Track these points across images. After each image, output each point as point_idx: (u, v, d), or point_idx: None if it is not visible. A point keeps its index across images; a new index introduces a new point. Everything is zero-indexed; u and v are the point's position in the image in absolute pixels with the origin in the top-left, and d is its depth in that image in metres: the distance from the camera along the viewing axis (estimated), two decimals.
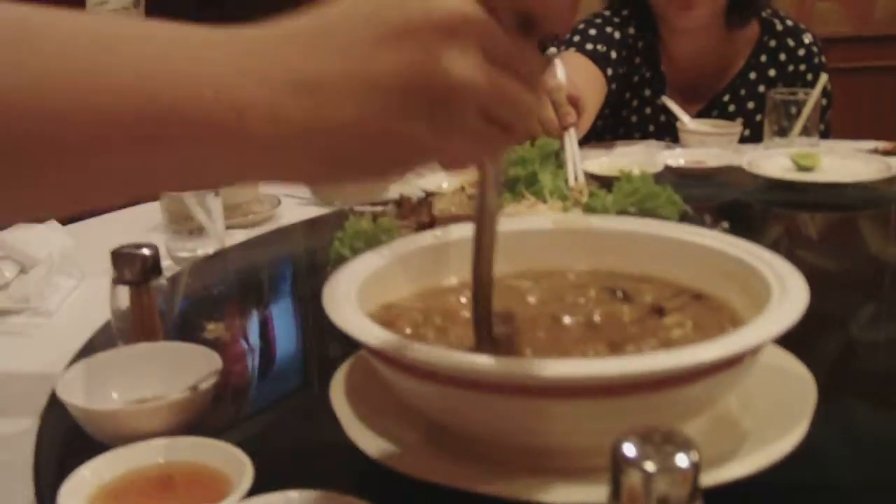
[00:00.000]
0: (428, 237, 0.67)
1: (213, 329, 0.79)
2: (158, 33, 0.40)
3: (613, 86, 1.61)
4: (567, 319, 0.60)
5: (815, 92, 1.39)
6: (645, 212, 0.93)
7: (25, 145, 0.38)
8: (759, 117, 1.62)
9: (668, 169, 1.28)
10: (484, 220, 0.52)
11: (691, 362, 0.47)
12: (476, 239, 0.53)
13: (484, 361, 0.48)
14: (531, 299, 0.64)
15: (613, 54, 1.65)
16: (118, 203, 0.45)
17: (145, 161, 0.39)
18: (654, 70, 1.69)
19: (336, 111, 0.39)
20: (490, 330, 0.55)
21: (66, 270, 0.98)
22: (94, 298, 0.88)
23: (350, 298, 0.56)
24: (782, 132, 1.41)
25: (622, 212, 0.94)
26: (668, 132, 1.65)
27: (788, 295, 0.54)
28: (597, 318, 0.60)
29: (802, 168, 1.26)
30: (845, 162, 1.29)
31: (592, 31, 1.66)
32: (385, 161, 0.42)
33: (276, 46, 0.40)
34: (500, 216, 0.52)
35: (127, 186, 0.41)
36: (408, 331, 0.58)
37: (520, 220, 0.77)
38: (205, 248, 1.06)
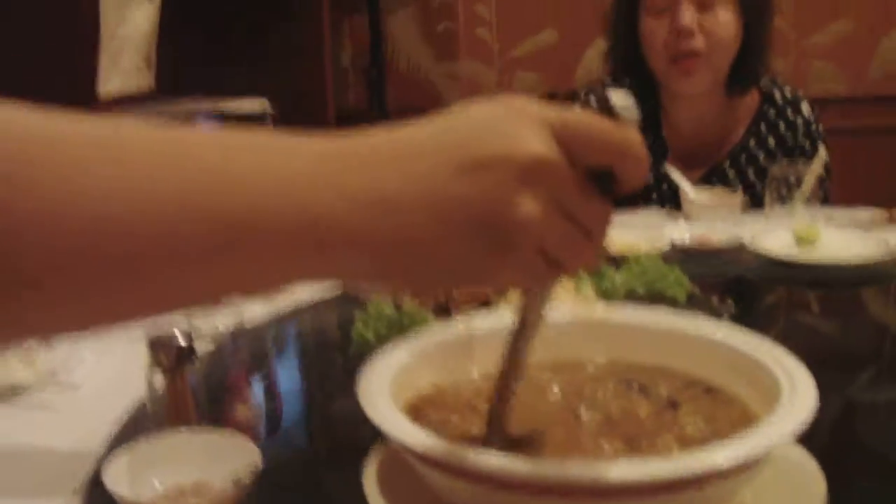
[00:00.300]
0: (454, 328, 0.71)
1: (242, 411, 0.82)
2: (241, 143, 0.43)
3: None
4: (585, 414, 0.64)
5: (815, 167, 1.44)
6: (654, 292, 0.97)
7: (110, 258, 0.39)
8: (759, 185, 1.67)
9: (673, 247, 1.32)
10: (521, 338, 0.56)
11: (708, 467, 0.51)
12: (510, 351, 0.56)
13: (514, 463, 0.51)
14: (551, 392, 0.67)
15: None
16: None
17: (217, 270, 0.42)
18: (655, 137, 1.74)
19: (408, 231, 0.43)
20: (506, 425, 0.59)
21: (91, 342, 1.01)
22: (121, 369, 0.91)
23: (384, 393, 0.60)
24: (782, 201, 1.45)
25: (631, 292, 0.97)
26: (671, 200, 1.69)
27: (798, 392, 0.58)
28: (614, 412, 0.64)
29: (803, 242, 1.31)
30: (845, 237, 1.33)
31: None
32: (439, 276, 0.46)
33: (359, 163, 0.43)
34: (537, 335, 0.56)
35: (195, 295, 0.43)
36: (435, 424, 0.62)
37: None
38: (224, 321, 1.09)
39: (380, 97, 2.79)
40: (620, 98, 0.47)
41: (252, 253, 0.41)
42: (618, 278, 0.98)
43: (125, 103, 2.25)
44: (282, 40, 2.66)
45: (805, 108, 1.73)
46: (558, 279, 0.49)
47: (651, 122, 1.74)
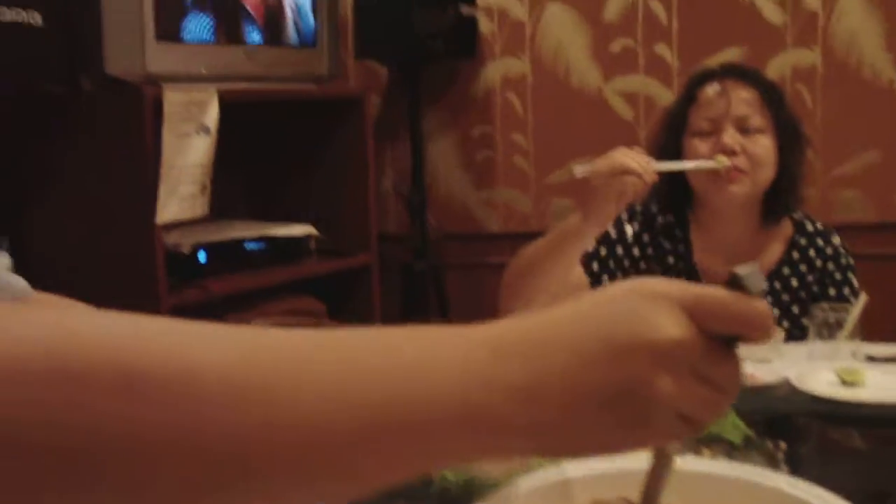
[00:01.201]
0: (548, 474, 0.76)
1: None
2: (395, 338, 0.47)
3: None
4: None
5: (855, 310, 1.50)
6: (711, 435, 1.02)
7: (265, 456, 0.42)
8: (794, 309, 1.73)
9: None
10: (654, 488, 0.60)
11: None
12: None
13: None
14: None
15: (650, 250, 1.79)
16: None
17: (364, 461, 0.45)
18: (687, 265, 1.81)
19: (554, 417, 0.47)
20: None
21: None
22: None
23: None
24: (824, 340, 1.51)
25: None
26: None
27: None
28: None
29: (848, 383, 1.36)
30: (888, 378, 1.37)
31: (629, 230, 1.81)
32: (584, 452, 0.51)
33: (506, 352, 0.47)
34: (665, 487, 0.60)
35: (367, 480, 0.47)
36: None
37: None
38: None
39: (421, 222, 2.88)
40: (747, 272, 0.52)
41: (408, 440, 0.45)
42: None
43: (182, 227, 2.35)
44: (327, 167, 2.77)
45: (836, 238, 1.81)
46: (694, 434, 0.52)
47: (683, 250, 1.82)
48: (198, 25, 2.37)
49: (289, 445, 0.43)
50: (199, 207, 2.32)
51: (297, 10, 2.62)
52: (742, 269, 0.52)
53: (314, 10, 2.64)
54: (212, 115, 2.29)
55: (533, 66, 2.99)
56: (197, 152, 2.28)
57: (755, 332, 0.51)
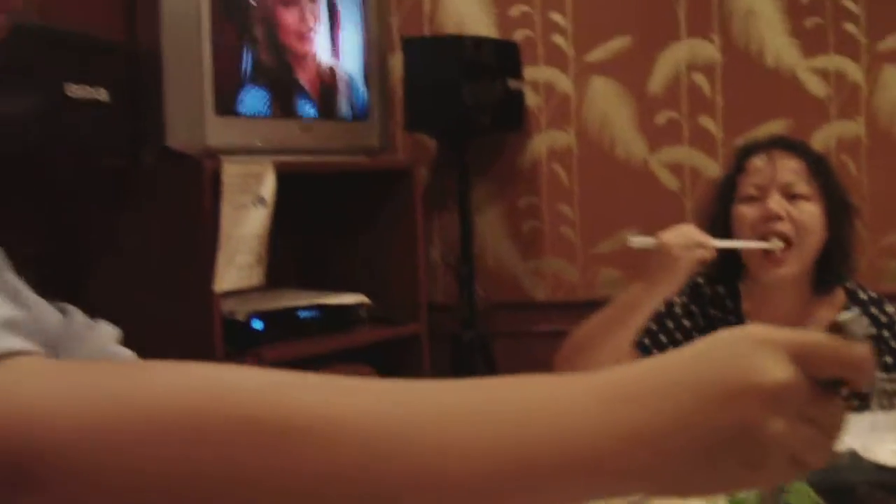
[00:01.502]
0: None
1: None
2: (518, 388, 0.51)
3: None
4: None
5: None
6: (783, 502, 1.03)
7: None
8: None
9: None
10: None
11: None
12: None
13: None
14: None
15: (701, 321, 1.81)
16: None
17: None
18: None
19: (667, 459, 0.50)
20: None
21: None
22: None
23: None
24: (884, 408, 1.51)
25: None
26: None
27: None
28: None
29: None
30: None
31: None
32: (699, 492, 0.53)
33: (623, 398, 0.51)
34: None
35: None
36: None
37: None
38: None
39: (469, 292, 2.91)
40: (849, 317, 0.54)
41: (533, 484, 0.49)
42: (752, 494, 1.04)
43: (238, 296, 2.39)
44: (377, 237, 2.82)
45: (889, 307, 1.81)
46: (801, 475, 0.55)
47: (735, 320, 1.83)
48: (255, 99, 2.45)
49: (433, 491, 0.47)
50: (256, 277, 2.37)
51: (350, 84, 2.69)
52: (844, 316, 0.55)
53: (365, 84, 2.72)
54: (268, 187, 2.35)
55: (578, 137, 3.04)
56: (254, 223, 2.34)
57: (858, 376, 0.54)
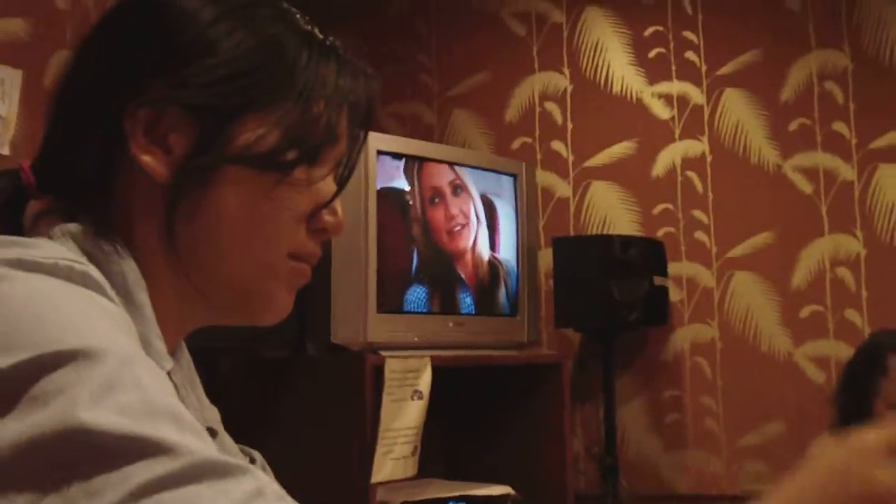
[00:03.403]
0: None
1: None
2: None
3: None
4: None
5: None
6: None
7: None
8: None
9: None
10: None
11: None
12: None
13: None
14: None
15: None
16: None
17: None
18: None
19: None
20: None
21: None
22: None
23: None
24: None
25: None
26: None
27: None
28: None
29: None
30: None
31: None
32: None
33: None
34: None
35: None
36: None
37: None
38: None
39: (613, 484, 2.91)
40: None
41: None
42: None
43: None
44: (523, 428, 2.87)
45: None
46: None
47: None
48: (416, 297, 2.59)
49: None
50: (411, 468, 2.44)
51: (504, 281, 2.82)
52: None
53: (517, 282, 2.84)
54: (425, 381, 2.45)
55: (721, 331, 3.07)
56: (411, 416, 2.43)
57: None
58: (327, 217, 0.82)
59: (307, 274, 0.84)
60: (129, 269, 0.74)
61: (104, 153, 0.76)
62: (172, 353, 0.82)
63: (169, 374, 0.75)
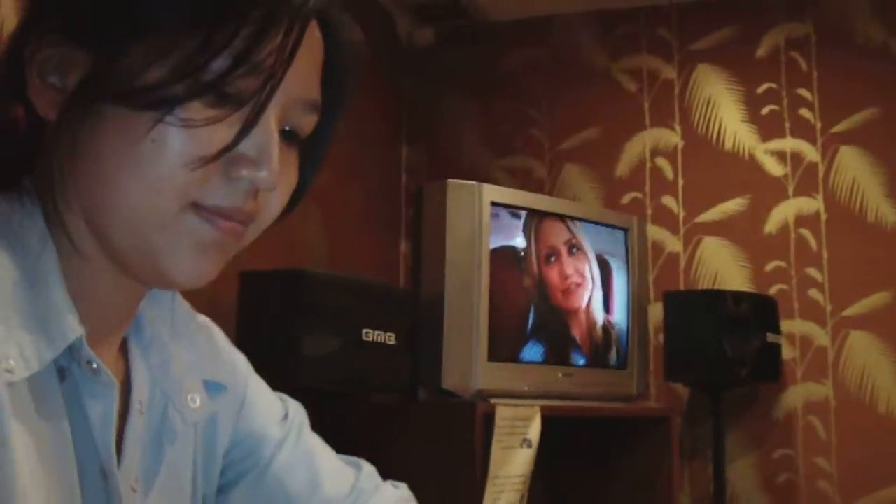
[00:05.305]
0: None
1: None
2: None
3: None
4: None
5: None
6: None
7: None
8: None
9: None
10: None
11: None
12: None
13: None
14: None
15: None
16: None
17: None
18: None
19: None
20: None
21: None
22: None
23: None
24: None
25: None
26: None
27: None
28: None
29: None
30: None
31: None
32: None
33: None
34: None
35: None
36: None
37: None
38: None
39: None
40: None
41: None
42: None
43: None
44: (629, 481, 2.85)
45: None
46: None
47: None
48: (527, 347, 2.62)
49: None
50: None
51: (616, 336, 2.83)
52: None
53: (627, 335, 2.85)
54: (534, 430, 2.47)
55: (836, 390, 3.01)
56: (519, 463, 2.45)
57: None
58: (244, 171, 0.70)
59: (227, 230, 0.71)
60: (30, 223, 0.71)
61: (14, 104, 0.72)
62: (130, 322, 0.81)
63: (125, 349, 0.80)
